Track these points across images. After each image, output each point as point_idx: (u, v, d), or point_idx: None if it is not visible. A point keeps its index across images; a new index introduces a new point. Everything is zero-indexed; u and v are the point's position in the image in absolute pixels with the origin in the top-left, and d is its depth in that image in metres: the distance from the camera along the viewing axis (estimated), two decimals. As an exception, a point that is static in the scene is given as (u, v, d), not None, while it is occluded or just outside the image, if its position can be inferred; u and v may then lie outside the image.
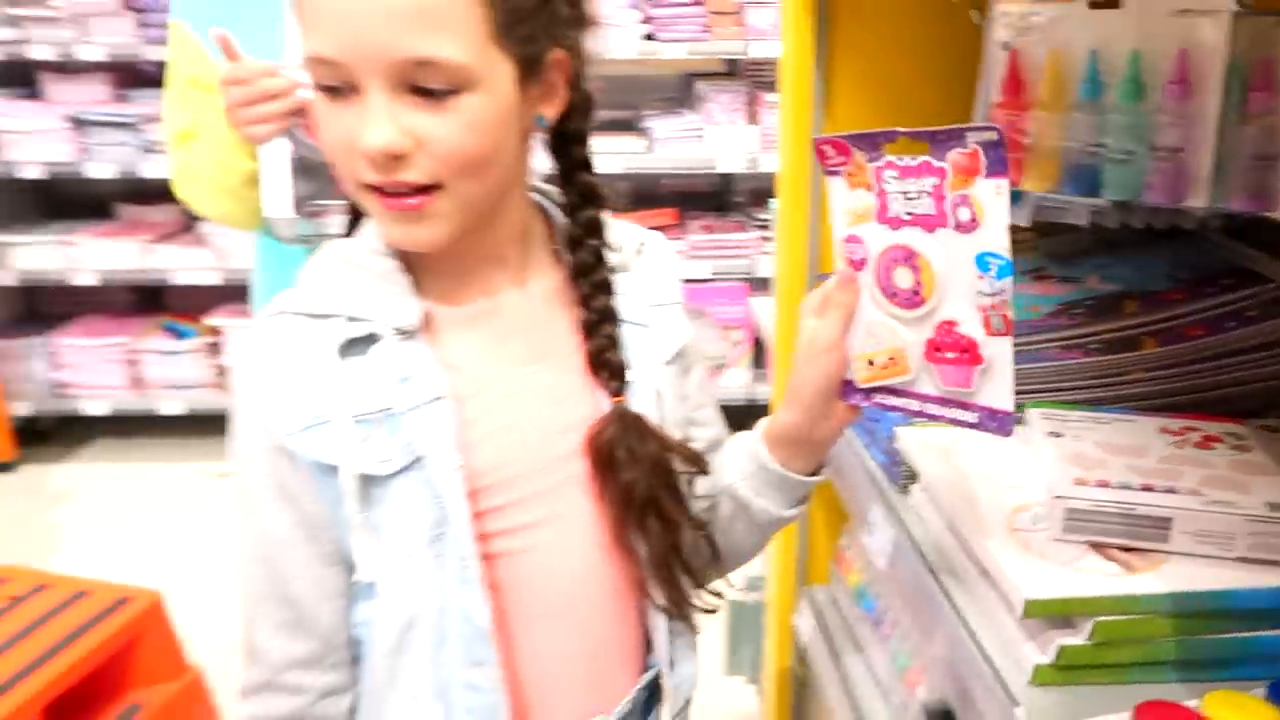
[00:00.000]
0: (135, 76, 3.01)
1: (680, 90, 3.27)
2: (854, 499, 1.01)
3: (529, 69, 0.66)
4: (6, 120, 2.84)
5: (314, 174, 1.16)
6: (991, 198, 0.59)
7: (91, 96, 2.94)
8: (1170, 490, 0.70)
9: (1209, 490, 0.70)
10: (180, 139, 1.27)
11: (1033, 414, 0.84)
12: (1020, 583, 0.66)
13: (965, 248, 0.60)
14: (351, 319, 0.67)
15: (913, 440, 0.89)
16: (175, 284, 2.99)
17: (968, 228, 0.60)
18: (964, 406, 0.63)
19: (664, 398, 0.75)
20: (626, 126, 3.02)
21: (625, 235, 0.78)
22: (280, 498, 0.68)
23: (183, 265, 2.96)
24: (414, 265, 0.70)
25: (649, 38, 2.91)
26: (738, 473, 0.76)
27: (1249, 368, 0.92)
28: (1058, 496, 0.70)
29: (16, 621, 1.68)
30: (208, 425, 3.04)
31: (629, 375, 0.73)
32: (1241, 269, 1.00)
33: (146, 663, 1.85)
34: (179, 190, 1.31)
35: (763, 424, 0.76)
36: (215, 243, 2.94)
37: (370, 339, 0.67)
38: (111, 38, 2.82)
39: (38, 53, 2.82)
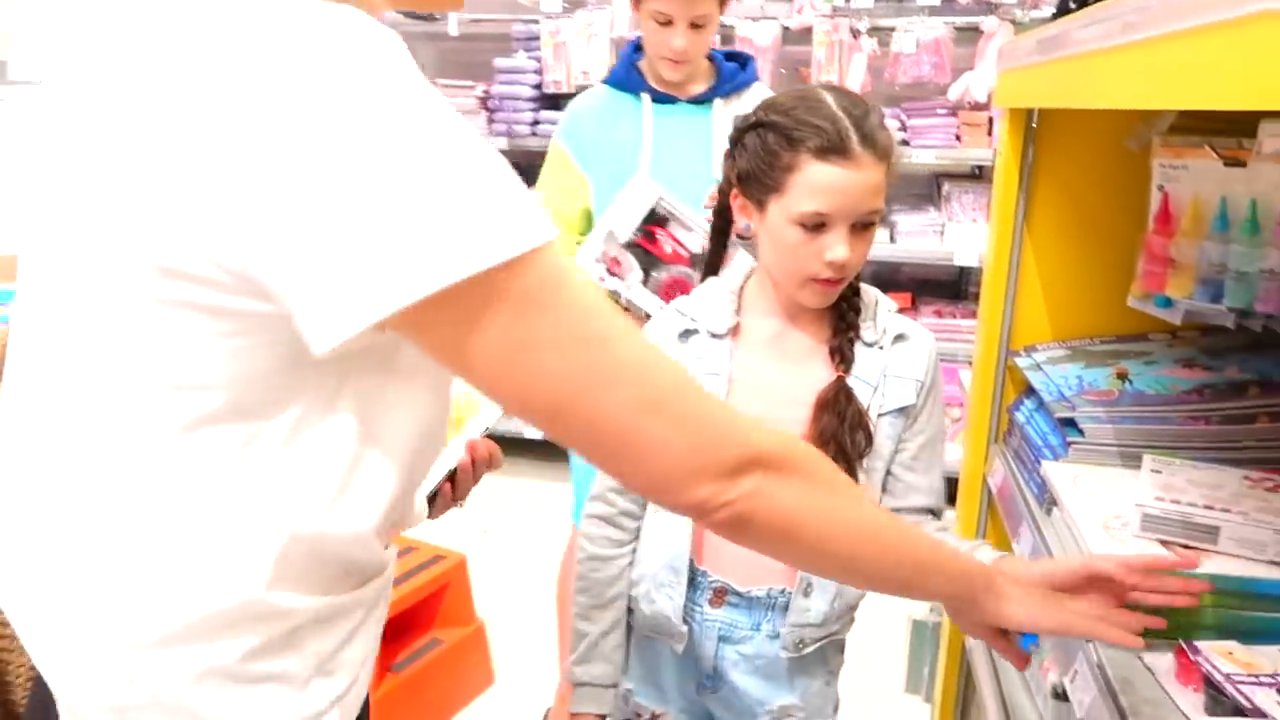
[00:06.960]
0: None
1: (928, 189, 3.59)
2: (1011, 519, 1.30)
3: None
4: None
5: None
6: None
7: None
8: (1225, 510, 0.97)
9: (1258, 514, 0.96)
10: None
11: (1147, 458, 1.12)
12: (1096, 552, 0.96)
13: None
14: (692, 319, 1.14)
15: (1054, 472, 1.18)
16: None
17: None
18: None
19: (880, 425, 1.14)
20: (873, 219, 3.38)
21: (892, 323, 1.17)
22: None
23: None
24: (743, 298, 1.16)
25: (904, 143, 3.28)
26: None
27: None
28: (1138, 504, 0.99)
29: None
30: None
31: (851, 379, 1.12)
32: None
33: (448, 608, 2.36)
34: None
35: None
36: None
37: (696, 333, 1.13)
38: (464, 127, 3.57)
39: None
